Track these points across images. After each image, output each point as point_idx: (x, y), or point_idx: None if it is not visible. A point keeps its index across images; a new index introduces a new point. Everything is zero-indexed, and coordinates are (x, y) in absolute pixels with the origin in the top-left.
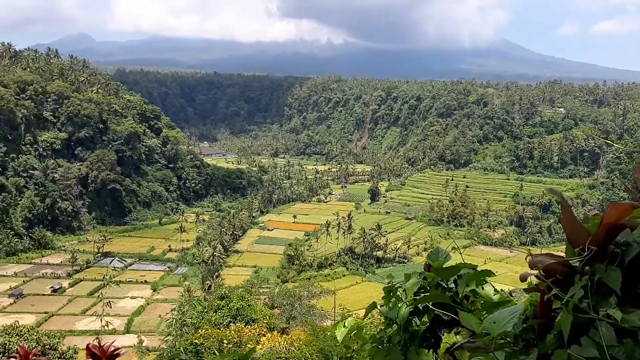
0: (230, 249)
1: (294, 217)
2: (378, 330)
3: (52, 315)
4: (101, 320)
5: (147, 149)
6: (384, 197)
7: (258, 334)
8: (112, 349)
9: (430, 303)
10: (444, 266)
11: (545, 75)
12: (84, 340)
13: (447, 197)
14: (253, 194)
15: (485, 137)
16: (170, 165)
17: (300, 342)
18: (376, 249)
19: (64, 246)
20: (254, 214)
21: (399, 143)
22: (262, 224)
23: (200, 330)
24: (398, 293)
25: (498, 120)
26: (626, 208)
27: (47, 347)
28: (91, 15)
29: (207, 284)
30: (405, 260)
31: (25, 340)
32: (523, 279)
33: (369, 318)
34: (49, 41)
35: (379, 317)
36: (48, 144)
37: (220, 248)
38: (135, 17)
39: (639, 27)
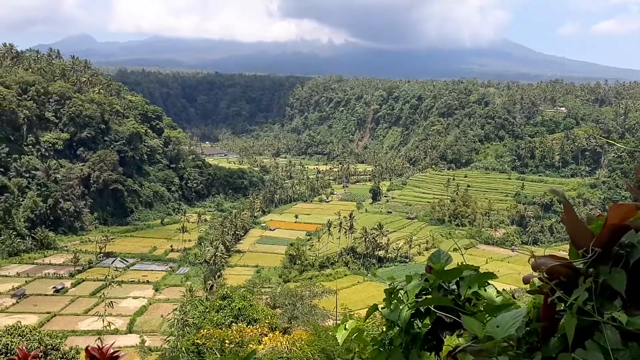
0: (232, 249)
1: (296, 216)
2: (379, 332)
3: (55, 315)
4: (103, 321)
5: (148, 149)
6: (385, 196)
7: (260, 334)
8: (112, 351)
9: (432, 305)
10: (445, 268)
11: (546, 75)
12: (86, 341)
13: (449, 197)
14: (255, 194)
15: (487, 136)
16: (172, 166)
17: (302, 342)
18: (378, 249)
19: (66, 246)
20: (255, 214)
21: (400, 143)
22: (264, 224)
23: (202, 331)
24: (399, 295)
25: (499, 119)
26: (630, 209)
27: (49, 347)
28: (93, 16)
29: (209, 284)
30: (407, 260)
31: (27, 341)
32: (526, 281)
33: (370, 320)
34: (51, 42)
35: (381, 319)
36: (50, 145)
37: (222, 248)
38: (137, 17)
39: None
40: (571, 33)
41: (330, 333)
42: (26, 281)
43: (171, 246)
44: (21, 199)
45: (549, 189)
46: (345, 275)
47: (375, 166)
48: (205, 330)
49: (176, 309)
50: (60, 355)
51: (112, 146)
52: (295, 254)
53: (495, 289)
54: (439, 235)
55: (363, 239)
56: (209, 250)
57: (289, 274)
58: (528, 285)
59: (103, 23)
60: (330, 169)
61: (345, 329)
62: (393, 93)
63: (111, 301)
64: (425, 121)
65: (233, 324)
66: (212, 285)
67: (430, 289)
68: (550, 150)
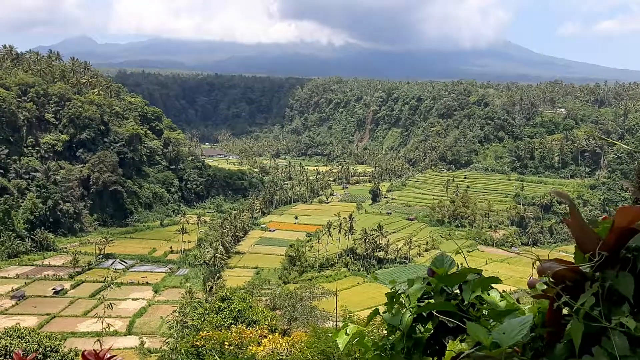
0: (231, 250)
1: (296, 218)
2: (381, 337)
3: (54, 317)
4: (102, 323)
5: (148, 151)
6: (385, 197)
7: (259, 336)
8: (109, 355)
9: (435, 310)
10: (448, 273)
11: (545, 76)
12: (85, 342)
13: (448, 198)
14: (254, 195)
15: (486, 137)
16: (171, 167)
17: (302, 344)
18: (377, 250)
19: (65, 248)
20: (255, 215)
21: (399, 144)
22: (264, 225)
23: (201, 332)
24: (401, 299)
25: (499, 120)
26: (638, 211)
27: (48, 349)
28: (93, 18)
29: (209, 286)
30: (407, 261)
31: (26, 343)
32: (531, 285)
33: (372, 325)
34: (51, 43)
35: (382, 322)
36: (50, 146)
37: (221, 249)
38: (137, 19)
39: None
40: (571, 34)
41: (330, 335)
42: (25, 283)
43: (170, 247)
44: (21, 201)
45: (553, 191)
46: (345, 276)
47: (375, 167)
48: (204, 332)
49: (175, 310)
50: (60, 357)
51: (111, 147)
52: (295, 255)
53: (499, 293)
54: (438, 237)
55: (363, 240)
56: (208, 251)
57: (289, 275)
58: (528, 286)
59: (103, 24)
60: (330, 170)
61: (346, 334)
62: (392, 94)
63: (110, 303)
64: (424, 122)
65: (232, 325)
66: (212, 287)
67: (432, 293)
68: (550, 151)
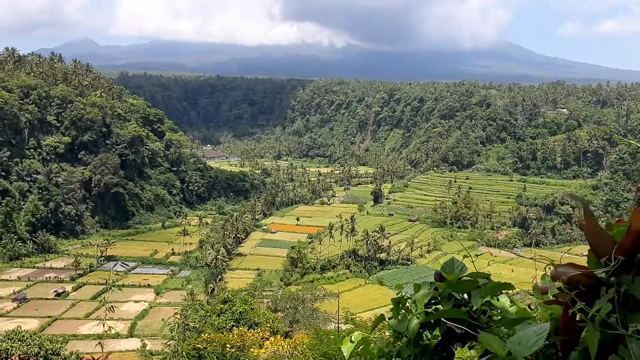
0: (233, 252)
1: (297, 219)
2: (386, 343)
3: (56, 319)
4: (104, 325)
5: (150, 153)
6: (387, 199)
7: (261, 338)
8: None
9: None
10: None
11: (547, 76)
12: (87, 345)
13: (450, 199)
14: (256, 197)
15: (488, 138)
16: (173, 169)
17: (304, 346)
18: (379, 251)
19: (67, 250)
20: (257, 217)
21: (401, 145)
22: (265, 227)
23: (203, 335)
24: (407, 305)
25: (501, 121)
26: None
27: (49, 352)
28: (95, 20)
29: (210, 287)
30: (409, 263)
31: (27, 346)
32: (544, 291)
33: (378, 330)
34: (53, 46)
35: (387, 328)
36: (52, 148)
37: (223, 251)
38: (139, 21)
39: None
40: (572, 34)
41: (332, 337)
42: (27, 285)
43: (172, 249)
44: (22, 203)
45: (566, 193)
46: (347, 278)
47: (377, 168)
48: (206, 335)
49: (177, 312)
50: None
51: (113, 149)
52: (296, 256)
53: (509, 298)
54: (440, 238)
55: (364, 241)
56: (210, 253)
57: (291, 277)
58: (540, 292)
59: (105, 27)
60: (332, 171)
61: (351, 341)
62: (394, 95)
63: (112, 305)
64: (426, 123)
65: (234, 328)
66: (213, 289)
67: (440, 299)
68: (552, 152)
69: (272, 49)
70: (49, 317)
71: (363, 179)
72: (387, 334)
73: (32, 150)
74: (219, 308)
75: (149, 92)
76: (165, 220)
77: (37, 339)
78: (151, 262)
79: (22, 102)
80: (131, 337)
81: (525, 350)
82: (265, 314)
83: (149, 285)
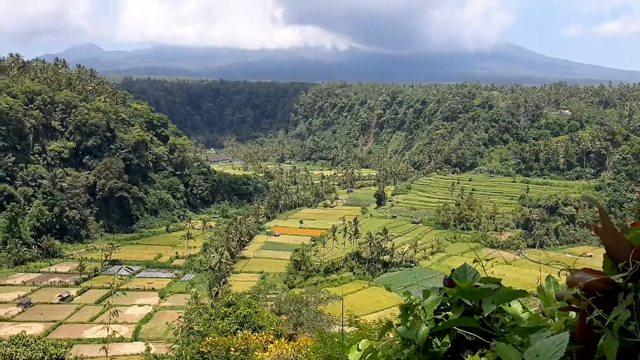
0: (237, 255)
1: (301, 222)
2: (394, 351)
3: (61, 323)
4: (108, 330)
5: (154, 157)
6: (390, 201)
7: (265, 341)
8: None
9: None
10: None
11: (550, 77)
12: (92, 349)
13: (454, 201)
14: (259, 200)
15: (491, 139)
16: (177, 173)
17: (308, 349)
18: (383, 254)
19: (72, 254)
20: (260, 220)
21: (404, 147)
22: (269, 230)
23: (207, 338)
24: (416, 311)
25: (503, 122)
26: None
27: (53, 356)
28: (99, 26)
29: (214, 291)
30: (412, 265)
31: (31, 351)
32: (559, 297)
33: (385, 339)
34: (57, 51)
35: (395, 335)
36: (56, 153)
37: (227, 254)
38: (142, 26)
39: None
40: (574, 35)
41: (336, 340)
42: (32, 290)
43: (176, 253)
44: (27, 208)
45: (582, 196)
46: (351, 280)
47: (380, 171)
48: (210, 338)
49: (181, 316)
50: None
51: (117, 154)
52: (300, 259)
53: (521, 304)
54: (444, 240)
55: (368, 243)
56: (214, 256)
57: (294, 279)
58: (556, 298)
59: (109, 32)
60: (335, 174)
61: (358, 349)
62: (397, 98)
63: (116, 310)
64: (429, 125)
65: (238, 331)
66: (217, 292)
67: (449, 305)
68: (555, 153)
69: (275, 53)
70: (53, 321)
71: (366, 182)
72: (391, 335)
73: (36, 155)
74: (223, 311)
75: (153, 96)
76: (170, 224)
77: (42, 343)
78: (155, 265)
79: (26, 107)
80: (135, 341)
81: None
82: (269, 317)
83: (153, 289)
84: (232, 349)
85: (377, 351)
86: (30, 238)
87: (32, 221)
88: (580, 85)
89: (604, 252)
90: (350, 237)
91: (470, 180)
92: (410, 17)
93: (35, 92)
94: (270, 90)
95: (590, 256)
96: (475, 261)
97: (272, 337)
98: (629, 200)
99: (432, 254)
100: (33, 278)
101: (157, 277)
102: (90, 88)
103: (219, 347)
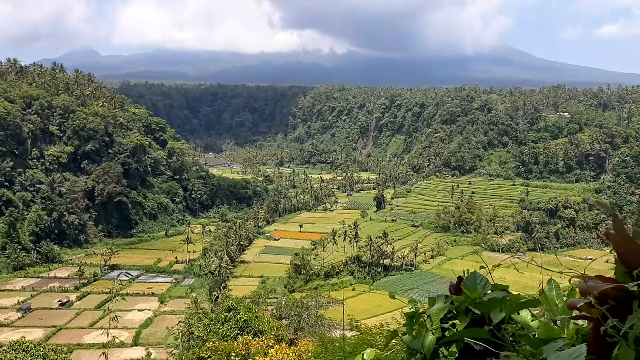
0: (236, 260)
1: (300, 226)
2: None
3: (60, 328)
4: (108, 335)
5: (152, 161)
6: (389, 204)
7: (266, 346)
8: None
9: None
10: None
11: (548, 80)
12: (92, 354)
13: (453, 204)
14: (259, 204)
15: (490, 142)
16: (175, 177)
17: (309, 354)
18: (383, 257)
19: (71, 259)
20: (259, 224)
21: (403, 150)
22: (268, 234)
23: (207, 343)
24: (422, 319)
25: (502, 125)
26: None
27: None
28: (96, 30)
29: (214, 295)
30: (413, 268)
31: (31, 356)
32: (572, 306)
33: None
34: (55, 56)
35: (401, 345)
36: (54, 158)
37: (226, 259)
38: (140, 30)
39: None
40: (573, 38)
41: (337, 344)
42: (31, 295)
43: (176, 258)
44: (26, 213)
45: (594, 201)
46: (351, 284)
47: (379, 174)
48: (210, 343)
49: (181, 321)
50: None
51: (116, 158)
52: (300, 263)
53: (530, 312)
54: (444, 243)
55: (368, 247)
56: (213, 261)
57: (294, 284)
58: (568, 307)
59: (107, 36)
60: (334, 177)
61: (363, 359)
62: (395, 101)
63: (116, 315)
64: (428, 128)
65: (239, 336)
66: (217, 297)
67: (456, 313)
68: (554, 156)
69: (273, 57)
70: (53, 326)
71: (365, 185)
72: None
73: (35, 160)
74: (223, 316)
75: (151, 101)
76: (169, 229)
77: (42, 349)
78: (155, 270)
79: (24, 112)
80: (135, 346)
81: None
82: (270, 322)
83: (153, 293)
84: (232, 354)
85: None
86: (29, 243)
87: (31, 226)
88: (579, 88)
89: (614, 257)
90: (350, 241)
91: (469, 184)
92: (408, 20)
93: (33, 96)
94: (268, 94)
95: (592, 259)
96: (482, 267)
97: (272, 341)
98: (629, 202)
99: (432, 257)
100: (32, 283)
101: (157, 282)
102: (88, 92)
103: (219, 352)
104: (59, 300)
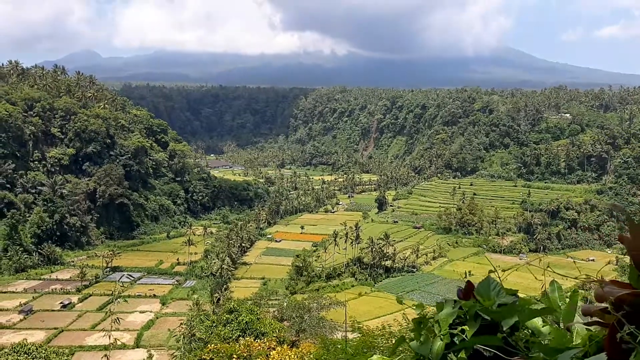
0: (238, 261)
1: (302, 228)
2: None
3: (62, 330)
4: (109, 337)
5: (154, 163)
6: (391, 206)
7: (268, 348)
8: None
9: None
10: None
11: (549, 81)
12: (93, 356)
13: (455, 205)
14: (260, 206)
15: (492, 144)
16: (177, 179)
17: (311, 356)
18: (384, 259)
19: (72, 261)
20: (261, 226)
21: (405, 152)
22: (270, 236)
23: (209, 345)
24: (429, 325)
25: (504, 127)
26: None
27: None
28: (97, 32)
29: (216, 297)
30: (414, 270)
31: (33, 359)
32: (586, 312)
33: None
34: (56, 58)
35: (409, 351)
36: (56, 160)
37: (228, 260)
38: (141, 32)
39: None
40: (574, 39)
41: (340, 346)
42: (33, 297)
43: (177, 259)
44: (28, 215)
45: (611, 204)
46: (352, 286)
47: (381, 176)
48: (212, 345)
49: (183, 323)
50: None
51: (117, 160)
52: (301, 265)
53: (541, 318)
54: (446, 244)
55: (369, 249)
56: (215, 263)
57: (296, 285)
58: (583, 313)
59: (108, 38)
60: (335, 179)
61: None
62: (397, 102)
63: (118, 317)
64: (429, 130)
65: (240, 338)
66: (219, 298)
67: (465, 318)
68: (556, 157)
69: (274, 58)
70: (55, 328)
71: (367, 187)
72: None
73: (36, 162)
74: (224, 318)
75: (152, 102)
76: (170, 230)
77: (43, 351)
78: (156, 272)
79: (26, 114)
80: (137, 347)
81: None
82: (272, 324)
83: (154, 295)
84: (234, 356)
85: None
86: (30, 245)
87: (33, 228)
88: (581, 89)
89: (616, 258)
90: (351, 243)
91: (471, 185)
92: (409, 22)
93: (34, 99)
94: (269, 96)
95: (593, 260)
96: (491, 271)
97: (274, 343)
98: (631, 204)
99: (434, 258)
100: (34, 285)
101: (159, 284)
102: (90, 94)
103: (221, 354)
104: (61, 302)
